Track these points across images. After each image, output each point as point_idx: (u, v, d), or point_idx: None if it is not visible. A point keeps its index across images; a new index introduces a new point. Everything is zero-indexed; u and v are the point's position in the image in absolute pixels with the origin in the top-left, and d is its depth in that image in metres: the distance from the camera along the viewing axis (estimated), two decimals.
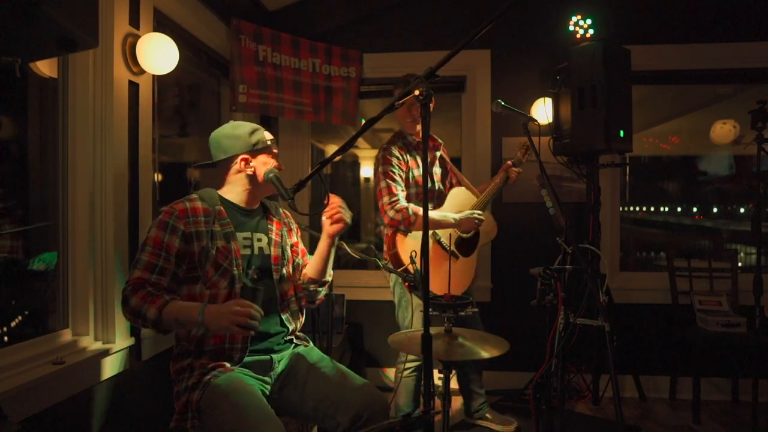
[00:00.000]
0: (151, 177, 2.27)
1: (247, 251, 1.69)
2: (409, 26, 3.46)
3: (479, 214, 2.50)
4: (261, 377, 1.64)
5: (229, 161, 1.72)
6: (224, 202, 1.73)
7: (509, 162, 2.69)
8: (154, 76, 2.25)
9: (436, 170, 2.64)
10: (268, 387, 1.66)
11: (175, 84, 2.99)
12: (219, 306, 1.47)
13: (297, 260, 1.86)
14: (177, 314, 1.46)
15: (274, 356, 1.68)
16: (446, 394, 1.52)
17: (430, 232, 2.38)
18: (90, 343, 1.96)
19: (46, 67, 1.91)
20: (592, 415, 2.97)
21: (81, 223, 1.98)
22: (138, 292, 1.49)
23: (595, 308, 2.40)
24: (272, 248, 1.75)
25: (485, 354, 1.46)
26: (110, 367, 1.99)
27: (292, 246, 1.86)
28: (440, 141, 2.67)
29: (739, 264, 3.26)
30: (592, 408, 3.07)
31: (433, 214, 2.41)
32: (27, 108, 2.05)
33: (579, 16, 3.11)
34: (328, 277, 1.85)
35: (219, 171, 1.77)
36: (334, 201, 1.69)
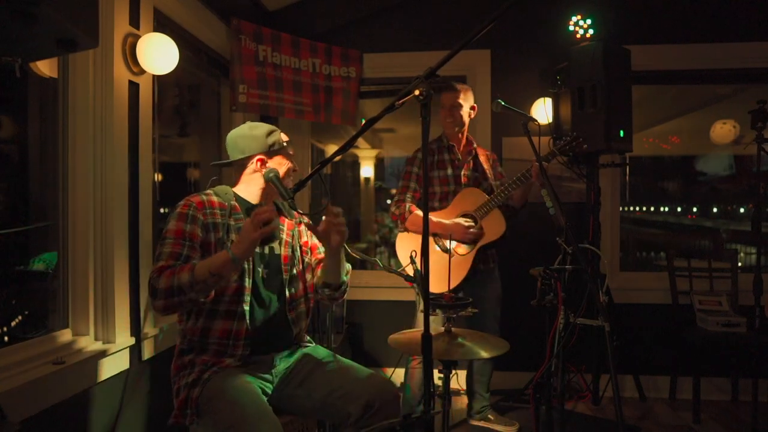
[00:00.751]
0: (151, 177, 2.27)
1: (257, 249, 1.68)
2: (409, 26, 3.47)
3: (467, 221, 2.50)
4: (262, 375, 1.64)
5: (245, 161, 1.73)
6: (238, 199, 1.74)
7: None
8: (154, 76, 2.25)
9: (467, 173, 2.66)
10: (270, 385, 1.66)
11: (175, 84, 2.99)
12: (240, 231, 1.46)
13: (307, 259, 1.84)
14: (209, 266, 1.43)
15: (276, 355, 1.68)
16: (446, 394, 1.52)
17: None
18: (90, 343, 1.96)
19: (46, 67, 1.91)
20: (592, 415, 2.97)
21: (81, 223, 1.98)
22: (165, 272, 1.46)
23: (595, 308, 2.40)
24: (282, 248, 1.75)
25: (485, 354, 1.46)
26: (110, 367, 1.99)
27: (301, 246, 1.84)
28: (476, 144, 2.77)
29: (739, 264, 3.26)
30: (592, 408, 3.07)
31: (431, 217, 2.49)
32: (27, 108, 2.05)
33: (579, 16, 3.12)
34: (344, 277, 1.79)
35: (234, 170, 1.77)
36: (337, 212, 1.62)
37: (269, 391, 1.64)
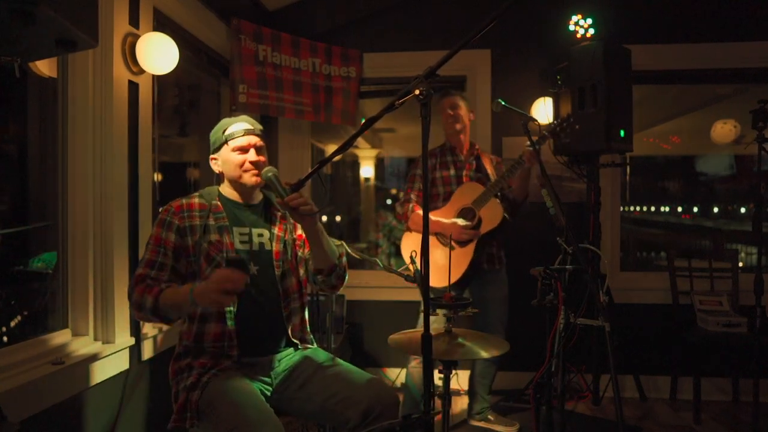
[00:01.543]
0: (151, 177, 2.27)
1: (246, 246, 1.67)
2: (409, 26, 3.46)
3: (464, 223, 2.52)
4: (261, 378, 1.63)
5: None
6: (222, 198, 1.73)
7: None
8: (154, 76, 2.25)
9: (469, 173, 2.72)
10: (269, 387, 1.65)
11: (175, 84, 2.99)
12: (205, 283, 1.44)
13: (300, 253, 1.81)
14: (172, 298, 1.48)
15: (274, 356, 1.67)
16: (446, 394, 1.51)
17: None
18: (89, 343, 1.96)
19: (46, 67, 1.91)
20: (592, 415, 2.96)
21: (81, 223, 1.98)
22: (137, 287, 1.53)
23: (595, 308, 2.40)
24: (274, 243, 1.72)
25: (485, 354, 1.46)
26: (110, 367, 1.99)
27: (295, 240, 1.81)
28: (479, 146, 2.84)
29: (740, 264, 3.26)
30: (593, 408, 3.07)
31: (431, 216, 2.53)
32: (27, 108, 2.05)
33: (579, 16, 3.11)
34: (337, 261, 1.74)
35: None
36: (297, 195, 1.58)
37: (268, 393, 1.63)
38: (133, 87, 2.15)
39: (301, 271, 1.81)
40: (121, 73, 2.05)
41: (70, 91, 1.97)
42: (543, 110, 3.15)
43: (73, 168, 1.98)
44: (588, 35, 3.08)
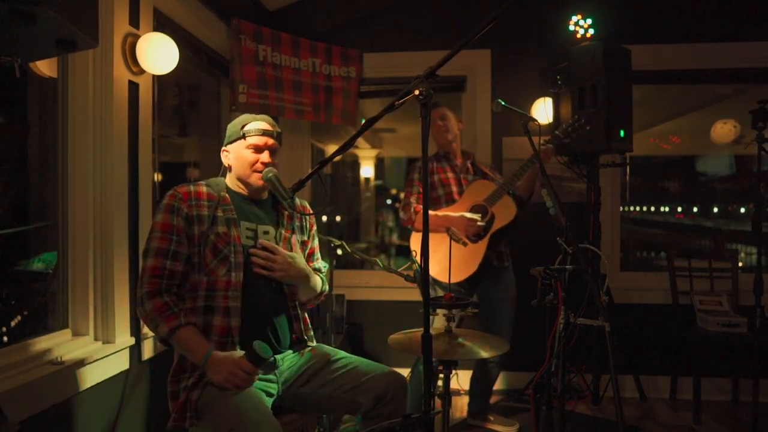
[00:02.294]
0: (151, 177, 2.27)
1: (251, 242, 1.66)
2: (409, 26, 3.46)
3: (471, 216, 2.50)
4: (265, 377, 1.63)
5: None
6: (229, 190, 1.72)
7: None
8: (154, 76, 2.25)
9: (467, 176, 2.75)
10: (274, 386, 1.64)
11: (175, 84, 2.99)
12: (224, 359, 1.47)
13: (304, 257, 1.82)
14: (185, 345, 1.50)
15: (278, 356, 1.67)
16: (446, 394, 1.52)
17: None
18: (90, 343, 1.96)
19: (46, 67, 1.92)
20: (592, 415, 2.96)
21: (81, 222, 1.98)
22: (154, 298, 1.50)
23: (595, 308, 2.40)
24: (280, 243, 1.71)
25: (485, 354, 1.46)
26: (110, 367, 1.99)
27: (302, 243, 1.81)
28: (472, 153, 2.90)
29: (740, 264, 3.26)
30: (592, 408, 3.07)
31: (438, 213, 2.58)
32: (27, 108, 2.05)
33: (579, 16, 3.11)
34: (314, 296, 1.81)
35: None
36: (261, 248, 1.65)
37: (274, 392, 1.62)
38: (133, 87, 2.15)
39: None
40: (121, 73, 2.05)
41: (70, 91, 1.97)
42: (543, 110, 3.15)
43: (73, 168, 1.98)
44: (588, 35, 3.08)
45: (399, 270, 2.10)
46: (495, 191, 2.57)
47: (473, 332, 1.64)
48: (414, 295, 3.11)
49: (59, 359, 1.77)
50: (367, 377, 1.59)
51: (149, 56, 2.09)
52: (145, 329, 2.20)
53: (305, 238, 1.84)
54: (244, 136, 1.67)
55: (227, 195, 1.68)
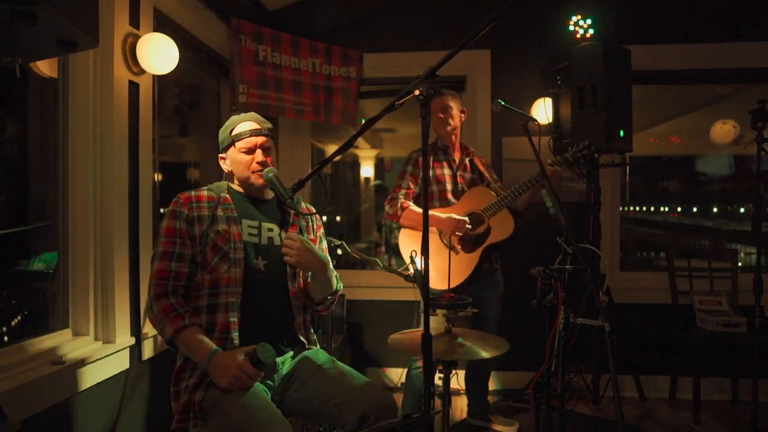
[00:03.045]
0: (151, 177, 2.27)
1: (254, 239, 1.68)
2: (409, 26, 3.46)
3: (460, 217, 2.45)
4: (264, 381, 1.62)
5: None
6: (231, 191, 1.74)
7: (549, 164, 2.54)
8: (154, 76, 2.25)
9: (464, 174, 2.68)
10: (269, 391, 1.64)
11: (175, 84, 2.99)
12: (226, 360, 1.48)
13: None
14: (189, 346, 1.52)
15: (278, 359, 1.66)
16: (446, 394, 1.52)
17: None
18: (90, 343, 1.96)
19: (46, 67, 1.92)
20: (592, 415, 2.97)
21: (81, 223, 1.98)
22: (161, 300, 1.53)
23: (595, 308, 2.40)
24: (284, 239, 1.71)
25: (485, 354, 1.46)
26: (110, 367, 1.99)
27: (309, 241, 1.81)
28: (473, 149, 2.78)
29: (739, 264, 3.26)
30: (592, 408, 3.07)
31: (431, 212, 2.46)
32: (27, 108, 2.05)
33: (579, 16, 3.12)
34: (330, 294, 1.78)
35: None
36: (286, 238, 1.65)
37: (269, 395, 1.62)
38: (134, 87, 2.15)
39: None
40: (121, 74, 2.05)
41: (70, 91, 1.97)
42: (543, 110, 3.15)
43: (73, 168, 1.98)
44: (588, 35, 3.09)
45: (399, 270, 2.10)
46: (495, 203, 2.51)
47: (473, 332, 1.64)
48: (414, 294, 3.11)
49: (59, 359, 1.77)
50: (354, 394, 1.56)
51: (149, 56, 2.09)
52: (146, 329, 2.20)
53: (312, 237, 1.84)
54: (233, 142, 1.71)
55: (228, 196, 1.71)
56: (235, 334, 1.57)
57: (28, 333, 1.88)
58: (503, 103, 2.36)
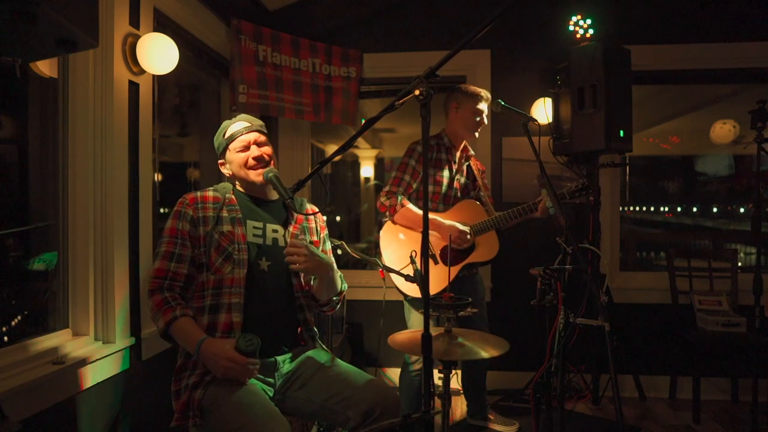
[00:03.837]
0: (151, 177, 2.27)
1: (258, 240, 1.69)
2: (410, 26, 3.46)
3: (464, 228, 2.44)
4: (265, 379, 1.63)
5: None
6: (236, 192, 1.76)
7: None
8: (154, 76, 2.25)
9: (460, 178, 2.64)
10: (271, 389, 1.64)
11: (175, 84, 2.99)
12: (214, 348, 1.49)
13: None
14: (181, 335, 1.54)
15: (279, 358, 1.67)
16: (446, 394, 1.52)
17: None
18: (90, 343, 1.96)
19: (46, 67, 1.91)
20: (592, 415, 2.97)
21: (81, 223, 1.98)
22: (155, 295, 1.57)
23: (595, 308, 2.40)
24: (288, 240, 1.73)
25: (485, 354, 1.46)
26: (110, 367, 1.99)
27: (311, 243, 1.81)
28: (472, 153, 2.73)
29: (739, 264, 3.26)
30: (592, 408, 3.07)
31: (432, 216, 2.43)
32: (27, 108, 2.05)
33: (579, 16, 3.11)
34: (335, 296, 1.80)
35: None
36: (291, 245, 1.66)
37: (270, 394, 1.63)
38: (134, 87, 2.15)
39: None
40: (121, 74, 2.05)
41: (70, 91, 1.97)
42: (543, 110, 3.15)
43: (73, 168, 1.98)
44: (588, 35, 3.09)
45: (399, 270, 2.10)
46: (485, 222, 2.49)
47: (473, 332, 1.64)
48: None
49: (60, 359, 1.77)
50: (357, 390, 1.57)
51: (149, 56, 2.09)
52: (146, 329, 2.20)
53: (315, 238, 1.85)
54: (228, 144, 1.73)
55: (233, 197, 1.72)
56: (239, 334, 1.57)
57: (28, 333, 1.88)
58: (503, 103, 2.36)
